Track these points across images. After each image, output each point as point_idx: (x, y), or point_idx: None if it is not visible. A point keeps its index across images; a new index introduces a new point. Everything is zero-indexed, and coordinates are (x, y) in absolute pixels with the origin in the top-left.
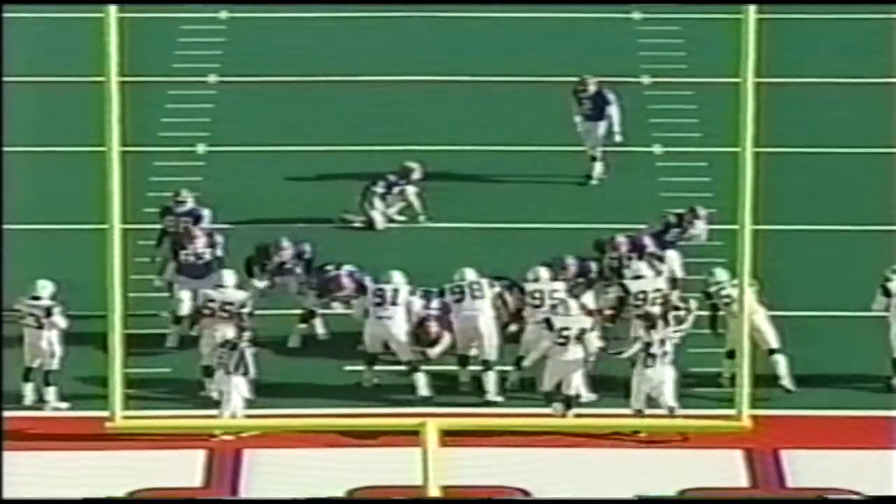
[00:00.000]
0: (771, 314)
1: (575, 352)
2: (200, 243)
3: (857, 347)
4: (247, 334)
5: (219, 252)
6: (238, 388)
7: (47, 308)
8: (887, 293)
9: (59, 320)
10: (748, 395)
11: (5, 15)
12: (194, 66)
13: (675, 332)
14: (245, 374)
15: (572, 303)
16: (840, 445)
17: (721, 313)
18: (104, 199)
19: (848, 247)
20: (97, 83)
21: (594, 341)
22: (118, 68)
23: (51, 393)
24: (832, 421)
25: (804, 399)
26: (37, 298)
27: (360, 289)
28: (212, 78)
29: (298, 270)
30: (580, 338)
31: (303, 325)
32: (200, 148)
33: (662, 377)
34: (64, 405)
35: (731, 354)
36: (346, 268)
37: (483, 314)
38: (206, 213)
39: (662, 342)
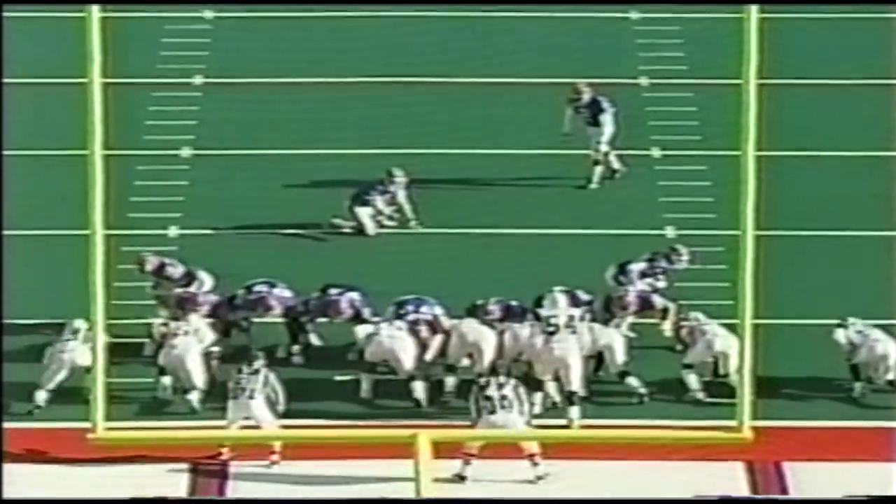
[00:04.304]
0: (774, 322)
1: (567, 339)
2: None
3: None
4: (261, 361)
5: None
6: (262, 412)
7: None
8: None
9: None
10: (749, 405)
11: None
12: (179, 68)
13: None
14: (274, 397)
15: (560, 296)
16: (845, 457)
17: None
18: (86, 203)
19: (852, 253)
20: (79, 85)
21: (595, 327)
22: (101, 69)
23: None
24: (836, 432)
25: (808, 409)
26: None
27: (357, 317)
28: (197, 79)
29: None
30: (570, 326)
31: (296, 347)
32: (185, 151)
33: (507, 424)
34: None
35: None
36: (350, 294)
37: (483, 332)
38: (170, 269)
39: (501, 386)
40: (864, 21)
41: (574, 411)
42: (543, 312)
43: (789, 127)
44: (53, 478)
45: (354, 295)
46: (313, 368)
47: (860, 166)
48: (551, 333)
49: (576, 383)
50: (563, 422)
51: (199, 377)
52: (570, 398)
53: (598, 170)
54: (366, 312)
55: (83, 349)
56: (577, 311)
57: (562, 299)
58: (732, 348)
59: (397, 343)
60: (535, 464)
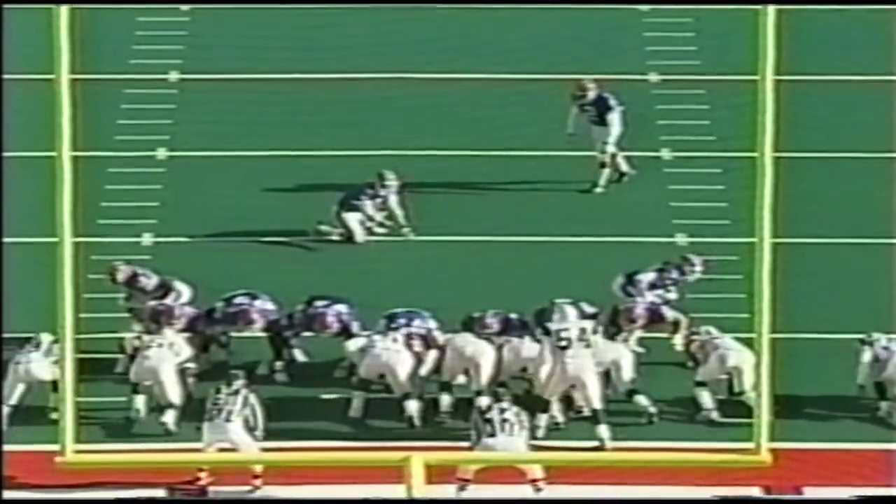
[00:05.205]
0: (793, 336)
1: (582, 355)
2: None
3: None
4: (241, 381)
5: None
6: (240, 436)
7: None
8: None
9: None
10: (767, 425)
11: None
12: (154, 63)
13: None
14: (252, 421)
15: (569, 309)
16: (870, 482)
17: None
18: (53, 209)
19: (878, 262)
20: (46, 81)
21: (600, 341)
22: (70, 65)
23: None
24: (861, 455)
25: (830, 430)
26: None
27: (345, 331)
28: (173, 75)
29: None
30: (583, 340)
31: (279, 364)
32: (161, 153)
33: (507, 448)
34: None
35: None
36: (337, 307)
37: (480, 347)
38: (143, 279)
39: (503, 410)
40: (889, 14)
41: (603, 430)
42: (553, 326)
43: (809, 127)
44: None
45: (342, 307)
46: (298, 386)
47: (886, 169)
48: (563, 348)
49: (596, 400)
50: (565, 444)
51: (174, 392)
52: (595, 417)
53: (605, 172)
54: (354, 326)
55: (43, 362)
56: (589, 324)
57: (571, 311)
58: (748, 364)
59: (394, 357)
60: (539, 489)
